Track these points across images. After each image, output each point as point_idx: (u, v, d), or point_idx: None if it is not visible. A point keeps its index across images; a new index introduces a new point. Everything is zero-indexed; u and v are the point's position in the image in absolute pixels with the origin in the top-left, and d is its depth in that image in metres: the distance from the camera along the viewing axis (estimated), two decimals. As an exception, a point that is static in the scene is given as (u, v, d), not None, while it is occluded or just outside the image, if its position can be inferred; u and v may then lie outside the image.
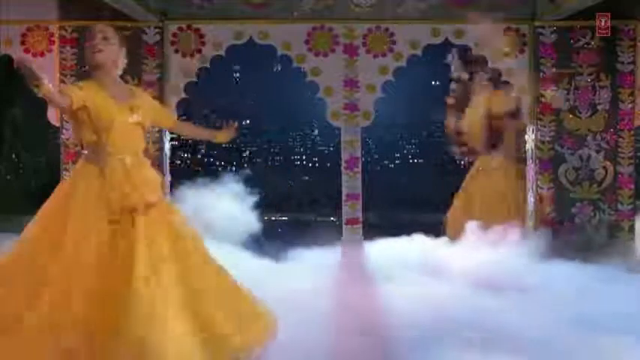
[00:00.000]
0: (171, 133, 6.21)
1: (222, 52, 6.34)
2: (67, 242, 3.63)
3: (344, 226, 6.40)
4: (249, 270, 4.89)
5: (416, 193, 11.47)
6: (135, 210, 3.69)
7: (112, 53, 3.85)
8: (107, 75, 3.87)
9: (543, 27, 6.28)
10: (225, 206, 7.18)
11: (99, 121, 3.76)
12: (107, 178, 3.72)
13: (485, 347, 3.90)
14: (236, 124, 4.45)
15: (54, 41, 6.23)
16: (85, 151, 3.84)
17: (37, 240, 3.70)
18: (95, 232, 3.65)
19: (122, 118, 3.80)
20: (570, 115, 6.29)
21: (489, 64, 6.45)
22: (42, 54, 6.22)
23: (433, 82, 12.86)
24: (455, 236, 6.32)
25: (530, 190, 6.38)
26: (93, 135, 3.79)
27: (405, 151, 14.31)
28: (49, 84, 3.49)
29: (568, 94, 6.27)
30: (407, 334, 4.22)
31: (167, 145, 6.40)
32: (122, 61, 3.93)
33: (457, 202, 6.88)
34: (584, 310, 4.50)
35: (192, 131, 4.71)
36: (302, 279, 5.36)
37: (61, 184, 3.92)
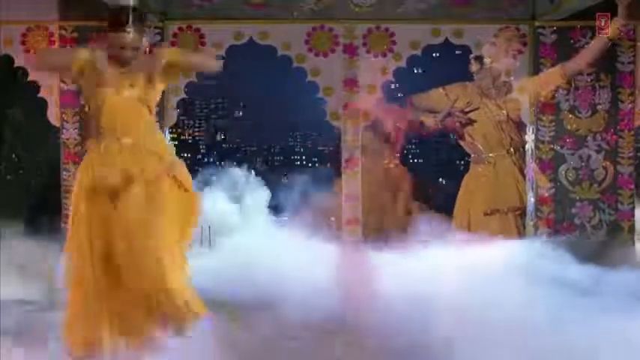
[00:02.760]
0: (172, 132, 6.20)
1: (222, 53, 6.34)
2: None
3: (343, 227, 6.40)
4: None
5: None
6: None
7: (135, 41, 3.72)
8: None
9: (543, 27, 6.28)
10: (226, 207, 7.19)
11: (88, 93, 3.71)
12: (101, 157, 3.70)
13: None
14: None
15: (54, 41, 6.23)
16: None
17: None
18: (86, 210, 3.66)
19: (117, 93, 3.70)
20: (570, 115, 6.30)
21: (488, 64, 6.45)
22: (42, 54, 6.22)
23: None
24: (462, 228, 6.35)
25: (530, 190, 6.39)
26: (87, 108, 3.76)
27: (405, 151, 14.31)
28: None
29: (568, 94, 6.28)
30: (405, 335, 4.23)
31: (167, 145, 6.39)
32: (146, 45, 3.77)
33: (461, 194, 6.84)
34: (583, 311, 4.50)
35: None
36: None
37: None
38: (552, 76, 5.99)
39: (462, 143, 6.86)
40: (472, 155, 6.79)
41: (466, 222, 6.50)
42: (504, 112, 6.62)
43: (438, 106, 6.77)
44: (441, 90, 6.88)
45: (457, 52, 6.78)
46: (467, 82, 6.79)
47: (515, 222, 6.54)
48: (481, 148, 6.67)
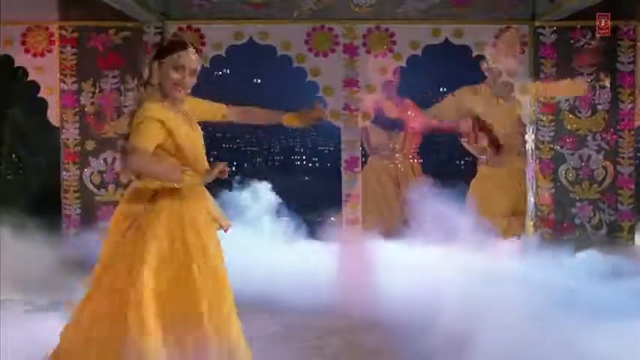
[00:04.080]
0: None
1: (222, 52, 6.34)
2: None
3: (343, 227, 6.40)
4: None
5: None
6: None
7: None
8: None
9: (543, 27, 6.28)
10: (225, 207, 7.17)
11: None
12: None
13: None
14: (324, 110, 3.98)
15: (54, 41, 6.23)
16: None
17: None
18: None
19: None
20: (570, 115, 6.30)
21: (489, 65, 6.46)
22: (42, 54, 6.23)
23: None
24: None
25: (530, 190, 6.39)
26: None
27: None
28: None
29: (568, 93, 6.29)
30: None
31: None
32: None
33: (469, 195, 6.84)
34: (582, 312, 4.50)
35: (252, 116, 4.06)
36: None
37: None
38: (553, 89, 6.10)
39: (470, 147, 6.88)
40: (480, 157, 6.80)
41: (474, 223, 6.48)
42: (517, 112, 6.62)
43: (453, 114, 6.79)
44: (451, 97, 6.88)
45: (457, 51, 6.80)
46: (475, 84, 6.80)
47: (523, 223, 6.55)
48: (490, 150, 6.68)
